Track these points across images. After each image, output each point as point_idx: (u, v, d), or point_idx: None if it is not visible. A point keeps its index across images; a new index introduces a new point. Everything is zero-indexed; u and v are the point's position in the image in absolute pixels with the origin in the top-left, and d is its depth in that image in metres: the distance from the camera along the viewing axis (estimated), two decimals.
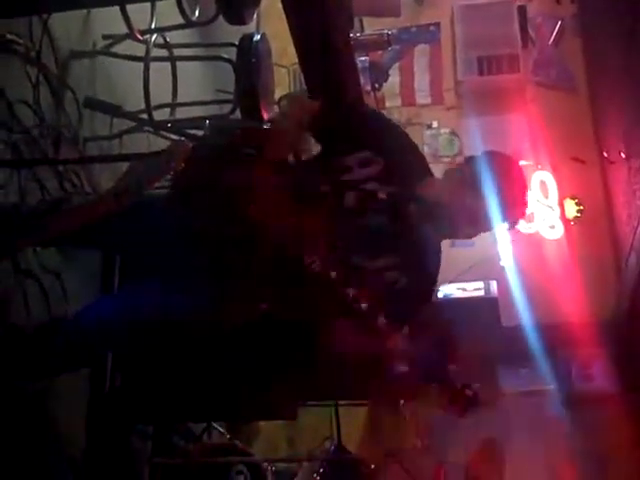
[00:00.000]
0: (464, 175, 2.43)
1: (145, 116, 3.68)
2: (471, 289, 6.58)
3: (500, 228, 2.43)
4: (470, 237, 2.52)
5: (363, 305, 2.19)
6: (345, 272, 2.25)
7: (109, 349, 3.10)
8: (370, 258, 2.38)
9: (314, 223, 2.35)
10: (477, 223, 2.40)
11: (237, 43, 3.85)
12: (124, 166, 2.66)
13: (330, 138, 2.53)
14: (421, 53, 8.09)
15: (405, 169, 2.53)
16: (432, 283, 2.54)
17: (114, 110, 2.31)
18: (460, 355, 2.42)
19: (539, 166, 7.28)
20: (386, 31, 5.43)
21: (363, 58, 5.22)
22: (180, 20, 3.78)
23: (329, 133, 2.54)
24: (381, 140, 2.58)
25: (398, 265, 2.40)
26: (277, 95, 5.26)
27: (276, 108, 5.14)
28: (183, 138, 2.21)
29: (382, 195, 2.42)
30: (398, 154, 2.56)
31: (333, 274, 2.23)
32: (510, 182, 2.39)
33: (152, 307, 2.53)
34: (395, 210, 2.45)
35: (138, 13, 3.67)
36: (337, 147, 2.52)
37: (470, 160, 2.48)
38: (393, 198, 2.44)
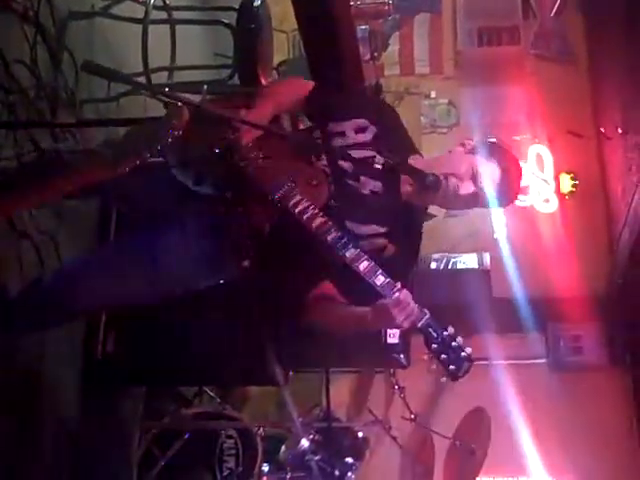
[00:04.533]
0: (467, 143, 2.51)
1: (143, 79, 3.66)
2: (464, 260, 6.58)
3: (494, 201, 2.49)
4: (464, 208, 2.59)
5: (361, 267, 2.23)
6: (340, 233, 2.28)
7: (104, 304, 3.10)
8: (361, 223, 2.44)
9: (307, 175, 2.39)
10: (474, 179, 2.44)
11: (237, 7, 3.83)
12: (121, 129, 2.66)
13: (323, 114, 2.59)
14: (421, 22, 8.01)
15: (395, 141, 2.58)
16: (416, 252, 2.62)
17: (112, 74, 2.29)
18: None
19: (536, 139, 7.26)
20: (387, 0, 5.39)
21: (363, 26, 5.19)
22: None
23: (323, 109, 2.60)
24: (376, 111, 2.63)
25: (386, 233, 2.46)
26: (276, 61, 5.24)
27: (275, 74, 5.13)
28: (180, 103, 2.20)
29: (378, 165, 2.45)
30: (391, 126, 2.62)
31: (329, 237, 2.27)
32: (509, 160, 2.48)
33: (145, 262, 2.55)
34: (388, 179, 2.48)
35: None
36: (331, 119, 2.56)
37: (478, 144, 2.53)
38: (387, 167, 2.47)
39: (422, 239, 2.63)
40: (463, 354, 2.12)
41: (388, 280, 2.21)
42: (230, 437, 4.10)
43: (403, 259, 2.49)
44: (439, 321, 2.16)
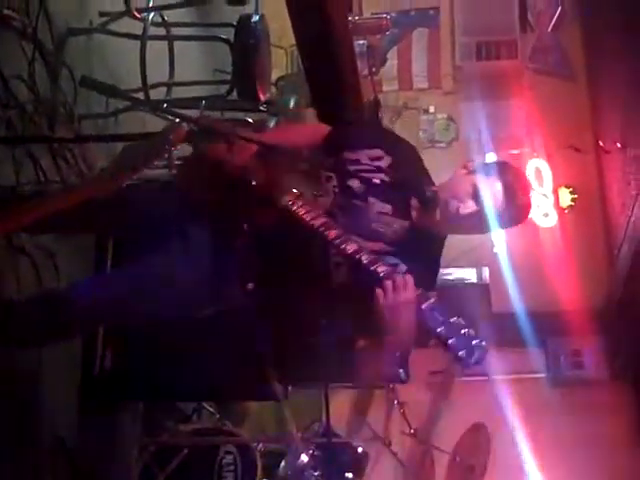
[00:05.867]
0: (469, 164, 2.48)
1: (141, 95, 3.67)
2: (463, 275, 6.58)
3: (497, 225, 2.45)
4: (471, 231, 2.55)
5: (364, 258, 2.21)
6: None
7: (103, 322, 3.11)
8: (367, 240, 2.40)
9: (313, 189, 2.39)
10: (475, 200, 2.39)
11: (235, 23, 3.83)
12: (119, 144, 2.66)
13: (339, 147, 2.58)
14: (419, 37, 8.05)
15: (410, 173, 2.57)
16: (431, 282, 2.51)
17: (110, 90, 2.30)
18: None
19: (534, 153, 7.27)
20: (385, 15, 5.41)
21: (361, 42, 5.19)
22: None
23: (338, 143, 2.60)
24: (391, 143, 2.63)
25: (393, 254, 2.42)
26: (274, 76, 5.26)
27: (273, 90, 5.14)
28: (178, 120, 2.20)
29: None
30: (406, 159, 2.61)
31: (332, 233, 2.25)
32: (513, 187, 2.41)
33: (148, 281, 2.55)
34: (397, 202, 2.47)
35: None
36: (346, 149, 2.56)
37: (480, 164, 2.51)
38: (397, 188, 2.48)
39: (439, 269, 2.56)
40: (475, 342, 1.96)
41: (391, 268, 2.17)
42: (229, 453, 4.07)
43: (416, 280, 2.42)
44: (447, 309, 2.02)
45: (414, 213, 2.49)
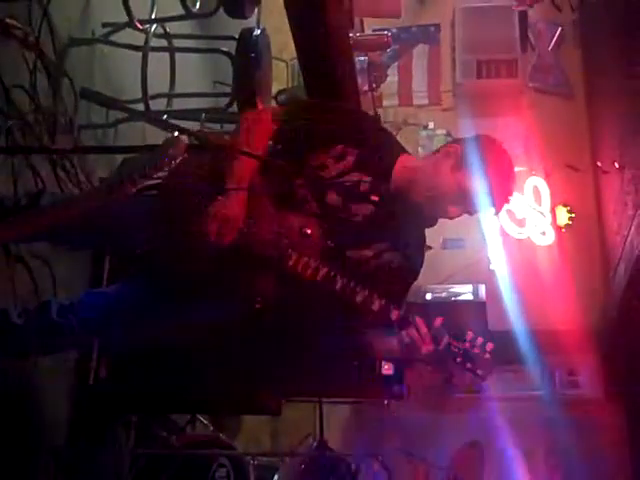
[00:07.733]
0: (453, 153, 2.44)
1: (142, 106, 3.67)
2: (459, 292, 6.57)
3: (484, 212, 2.46)
4: (452, 217, 2.49)
5: (358, 298, 2.29)
6: (341, 268, 2.31)
7: (99, 337, 3.11)
8: (362, 248, 2.44)
9: (298, 226, 2.38)
10: (463, 201, 2.40)
11: (237, 36, 3.85)
12: (119, 155, 2.66)
13: (300, 145, 2.50)
14: (420, 54, 8.07)
15: (379, 154, 2.51)
16: (421, 257, 2.57)
17: (110, 102, 2.30)
18: None
19: (533, 172, 7.28)
20: (386, 32, 5.42)
21: (362, 57, 5.20)
22: (181, 11, 3.77)
23: (293, 136, 2.51)
24: (352, 132, 2.53)
25: (389, 248, 2.46)
26: (275, 89, 5.27)
27: (273, 102, 5.15)
28: (177, 133, 2.20)
29: (374, 197, 2.45)
30: (370, 140, 2.53)
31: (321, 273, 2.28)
32: (498, 165, 2.42)
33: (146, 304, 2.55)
34: (377, 198, 2.46)
35: (138, 2, 3.67)
36: (305, 146, 2.49)
37: (460, 140, 2.50)
38: (373, 188, 2.46)
39: (425, 240, 2.60)
40: (487, 356, 2.26)
41: (402, 314, 2.28)
42: (222, 466, 4.06)
43: (411, 262, 2.50)
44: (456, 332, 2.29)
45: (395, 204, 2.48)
